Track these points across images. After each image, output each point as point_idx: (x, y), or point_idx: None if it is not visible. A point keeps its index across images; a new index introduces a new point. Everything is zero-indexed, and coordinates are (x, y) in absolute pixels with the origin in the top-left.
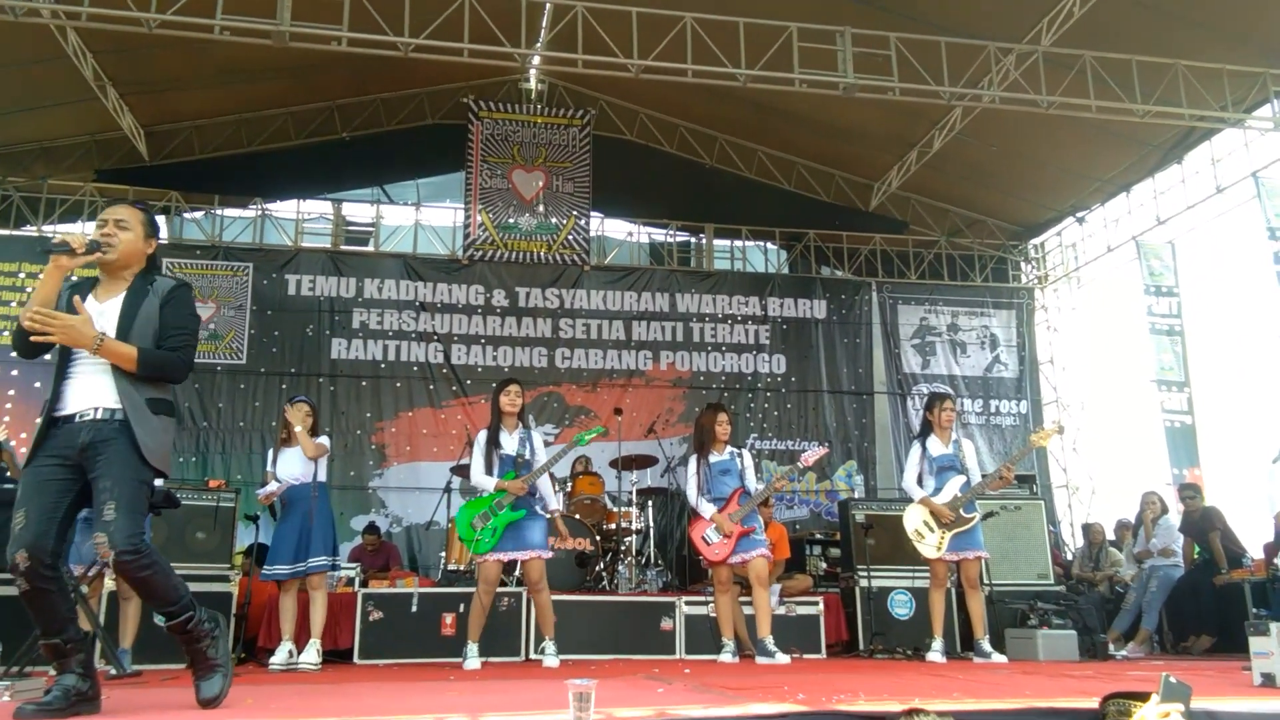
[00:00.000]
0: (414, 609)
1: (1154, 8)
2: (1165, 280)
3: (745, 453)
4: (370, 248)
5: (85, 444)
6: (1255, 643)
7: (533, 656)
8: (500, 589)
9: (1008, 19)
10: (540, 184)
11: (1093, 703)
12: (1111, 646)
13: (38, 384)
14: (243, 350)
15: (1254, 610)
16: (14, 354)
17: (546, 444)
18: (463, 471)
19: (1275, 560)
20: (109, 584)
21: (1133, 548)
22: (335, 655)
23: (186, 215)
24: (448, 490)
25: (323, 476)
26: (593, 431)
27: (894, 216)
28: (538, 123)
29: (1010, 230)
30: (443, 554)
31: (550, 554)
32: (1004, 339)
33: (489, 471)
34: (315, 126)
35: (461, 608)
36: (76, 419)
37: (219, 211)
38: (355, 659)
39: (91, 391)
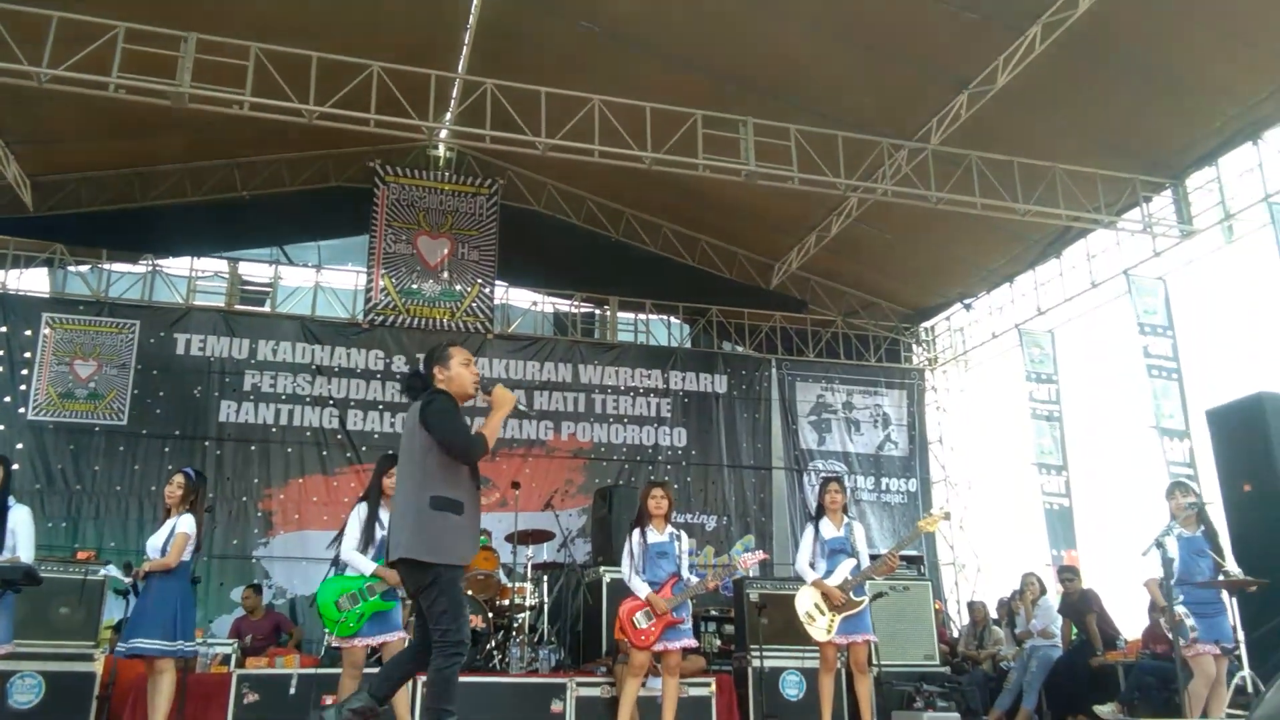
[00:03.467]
0: (292, 691)
1: (1035, 115)
2: (1045, 367)
3: (684, 535)
4: (266, 308)
5: None
6: None
7: None
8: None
9: (900, 117)
10: (446, 251)
11: None
12: None
13: None
14: (124, 410)
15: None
16: None
17: None
18: None
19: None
20: None
21: (1014, 628)
22: None
23: (71, 269)
24: (337, 562)
25: (187, 556)
26: None
27: (794, 295)
28: (445, 190)
29: (903, 313)
30: (327, 630)
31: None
32: (895, 418)
33: (365, 549)
34: (213, 183)
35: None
36: None
37: (106, 266)
38: None
39: None
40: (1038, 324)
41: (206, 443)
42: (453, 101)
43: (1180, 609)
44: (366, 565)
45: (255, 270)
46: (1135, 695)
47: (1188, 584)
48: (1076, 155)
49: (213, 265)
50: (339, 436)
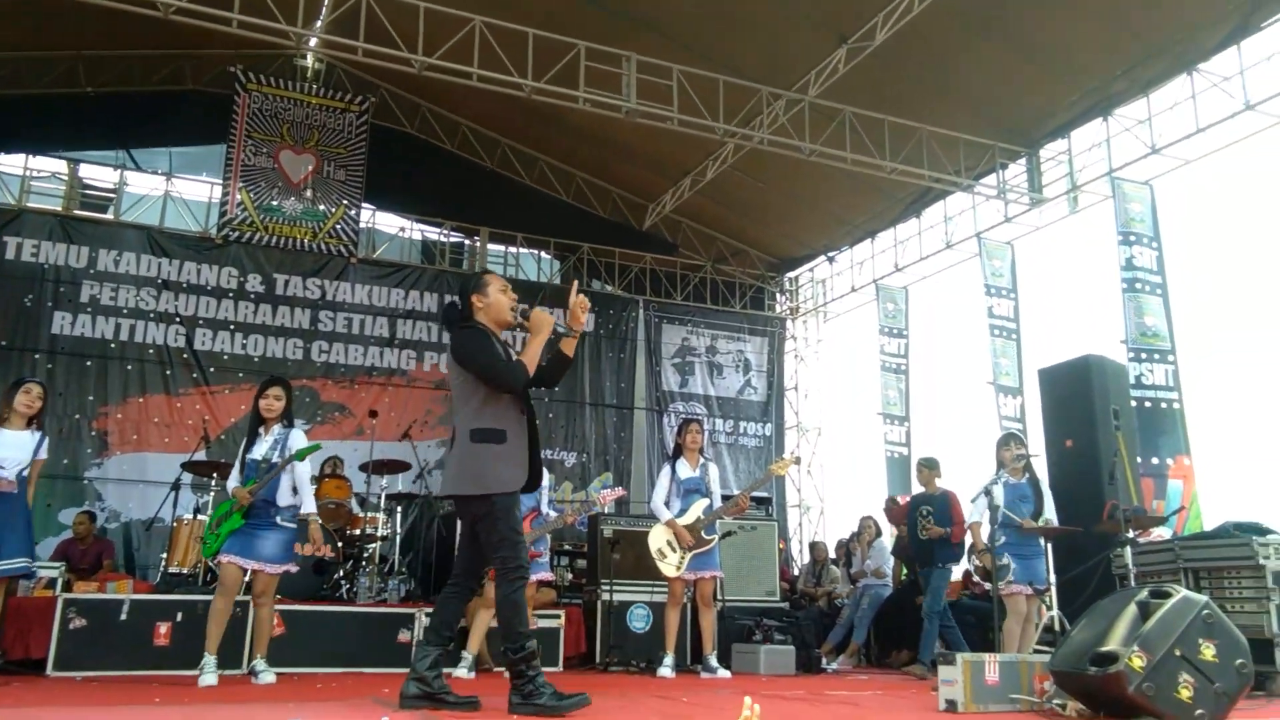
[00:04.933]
0: (123, 617)
1: (908, 76)
2: (897, 322)
3: (545, 471)
4: (110, 215)
5: None
6: (943, 671)
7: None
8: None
9: (781, 67)
10: (310, 168)
11: None
12: (825, 660)
13: None
14: None
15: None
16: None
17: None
18: (194, 467)
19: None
20: None
21: (850, 567)
22: (24, 666)
23: None
24: (177, 486)
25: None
26: (311, 449)
27: (665, 238)
28: (312, 103)
29: (769, 262)
30: (164, 555)
31: (281, 569)
32: (756, 364)
33: (241, 482)
34: (56, 76)
35: (179, 616)
36: None
37: None
38: (49, 670)
39: None
40: (894, 280)
41: (37, 355)
42: (324, 9)
43: (1003, 553)
44: (229, 488)
45: (98, 174)
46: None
47: (1009, 528)
48: (942, 118)
49: (50, 165)
50: (185, 356)
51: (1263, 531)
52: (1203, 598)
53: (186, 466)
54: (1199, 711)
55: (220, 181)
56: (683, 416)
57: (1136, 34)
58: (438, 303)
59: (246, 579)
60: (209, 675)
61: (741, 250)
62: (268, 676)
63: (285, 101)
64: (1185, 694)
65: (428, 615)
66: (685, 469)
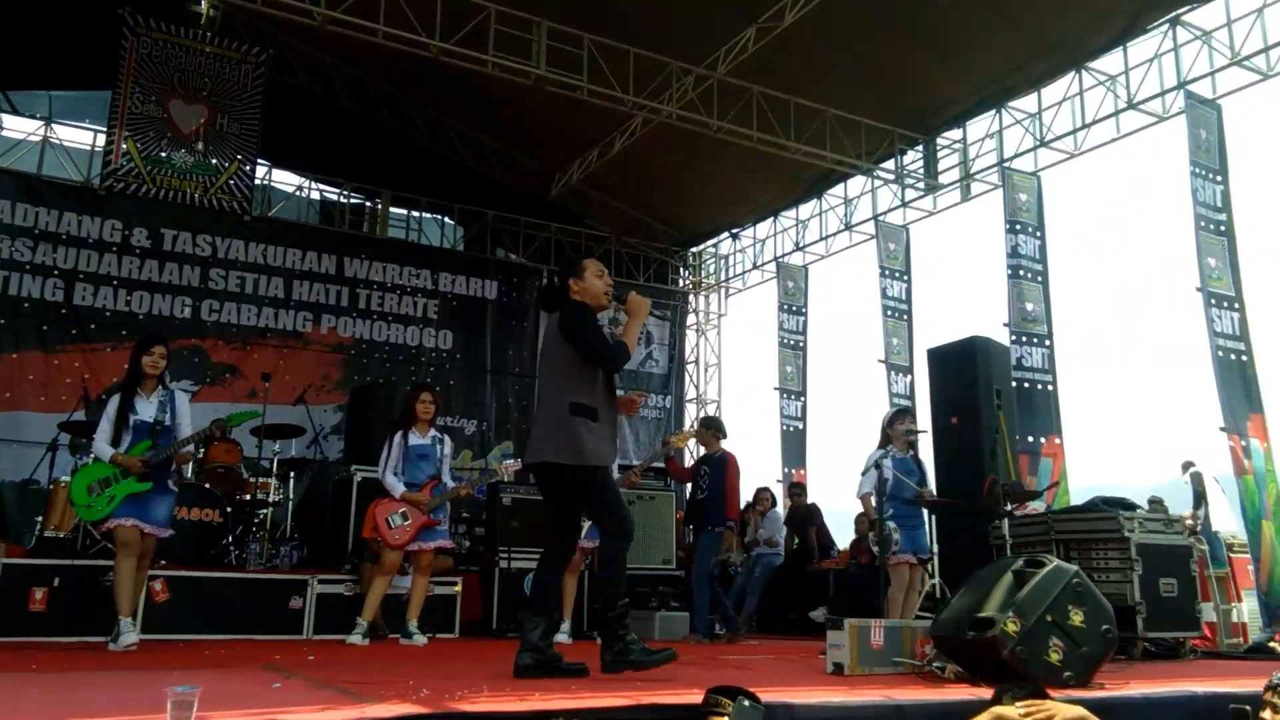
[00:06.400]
0: None
1: (815, 58)
2: (797, 300)
3: (446, 439)
4: None
5: None
6: (831, 636)
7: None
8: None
9: (691, 42)
10: (202, 120)
11: (697, 697)
12: (717, 626)
13: None
14: None
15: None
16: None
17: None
18: (73, 428)
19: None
20: None
21: (744, 537)
22: None
23: None
24: (54, 447)
25: None
26: (246, 416)
27: (571, 208)
28: (206, 51)
29: (674, 236)
30: (39, 519)
31: (166, 534)
32: (658, 337)
33: (115, 442)
34: None
35: (56, 582)
36: None
37: None
38: None
39: None
40: (795, 259)
41: None
42: None
43: (890, 524)
44: (104, 453)
45: None
46: (842, 599)
47: (897, 500)
48: (846, 102)
49: None
50: (63, 311)
51: (1129, 506)
52: (1073, 567)
53: (64, 427)
54: (1066, 673)
55: (105, 129)
56: None
57: (1031, 31)
58: (336, 265)
59: None
60: (130, 635)
61: (647, 223)
62: (130, 638)
63: (177, 48)
64: (1055, 657)
65: (321, 581)
66: None
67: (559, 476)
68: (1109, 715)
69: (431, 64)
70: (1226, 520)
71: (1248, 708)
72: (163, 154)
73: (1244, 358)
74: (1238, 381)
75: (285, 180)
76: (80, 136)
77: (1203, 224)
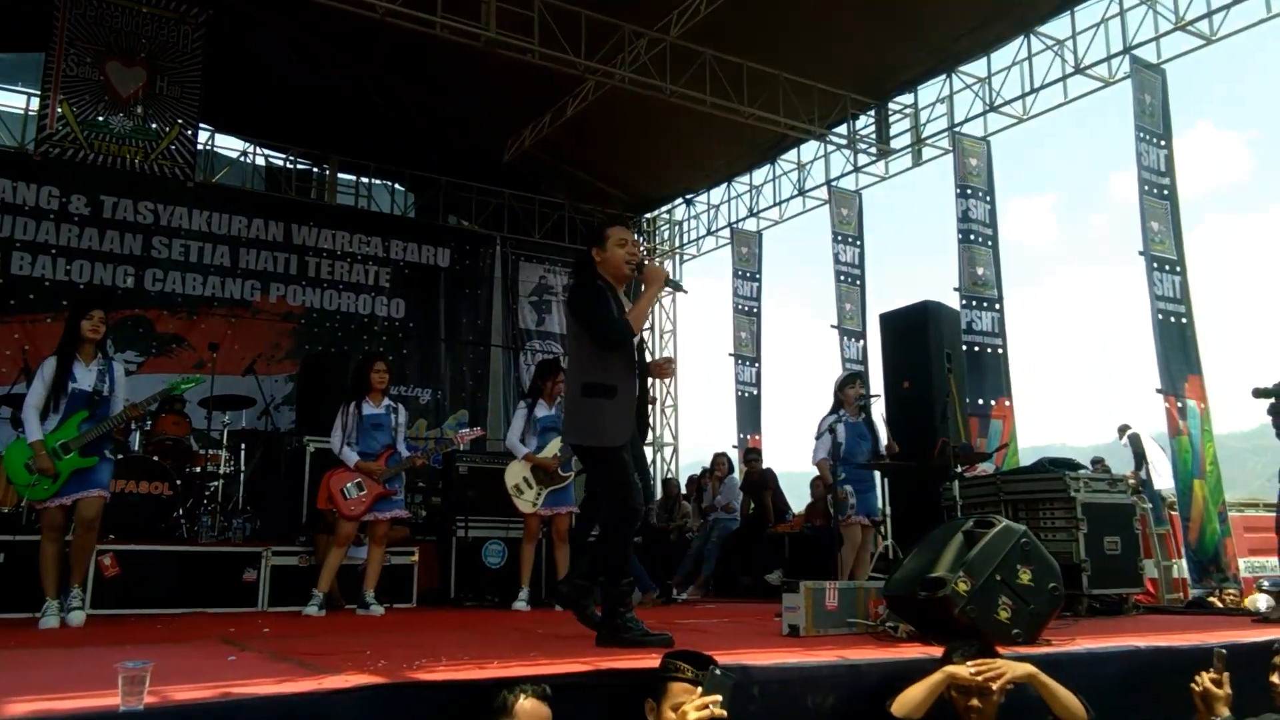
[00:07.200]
0: None
1: (768, 22)
2: (751, 266)
3: (400, 409)
4: None
5: None
6: (787, 598)
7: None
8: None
9: (644, 4)
10: (140, 83)
11: (654, 662)
12: (675, 590)
13: None
14: None
15: None
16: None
17: (128, 375)
18: (13, 401)
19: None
20: None
21: (701, 503)
22: None
23: None
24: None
25: None
26: (191, 381)
27: (525, 174)
28: (143, 11)
29: (628, 202)
30: (22, 496)
31: (107, 495)
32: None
33: (49, 408)
34: None
35: (2, 557)
36: None
37: None
38: None
39: None
40: (749, 224)
41: None
42: None
43: (846, 487)
44: (34, 431)
45: None
46: (797, 563)
47: (850, 463)
48: (798, 66)
49: None
50: (0, 281)
51: (1074, 467)
52: (1021, 527)
53: (4, 399)
54: (1015, 631)
55: (39, 93)
56: (544, 359)
57: None
58: (284, 232)
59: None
60: (51, 617)
61: (601, 189)
62: (78, 617)
63: (112, 8)
64: (1004, 615)
65: (275, 553)
66: (543, 408)
67: (583, 455)
68: (1056, 670)
69: (381, 26)
70: (1168, 479)
71: None
72: (100, 118)
73: (1184, 320)
74: (1177, 343)
75: (229, 145)
76: (14, 100)
77: (1146, 188)
